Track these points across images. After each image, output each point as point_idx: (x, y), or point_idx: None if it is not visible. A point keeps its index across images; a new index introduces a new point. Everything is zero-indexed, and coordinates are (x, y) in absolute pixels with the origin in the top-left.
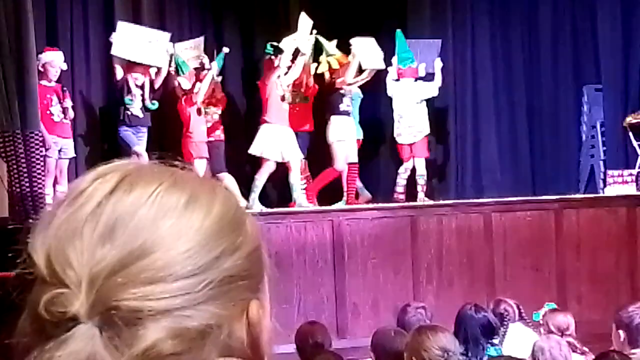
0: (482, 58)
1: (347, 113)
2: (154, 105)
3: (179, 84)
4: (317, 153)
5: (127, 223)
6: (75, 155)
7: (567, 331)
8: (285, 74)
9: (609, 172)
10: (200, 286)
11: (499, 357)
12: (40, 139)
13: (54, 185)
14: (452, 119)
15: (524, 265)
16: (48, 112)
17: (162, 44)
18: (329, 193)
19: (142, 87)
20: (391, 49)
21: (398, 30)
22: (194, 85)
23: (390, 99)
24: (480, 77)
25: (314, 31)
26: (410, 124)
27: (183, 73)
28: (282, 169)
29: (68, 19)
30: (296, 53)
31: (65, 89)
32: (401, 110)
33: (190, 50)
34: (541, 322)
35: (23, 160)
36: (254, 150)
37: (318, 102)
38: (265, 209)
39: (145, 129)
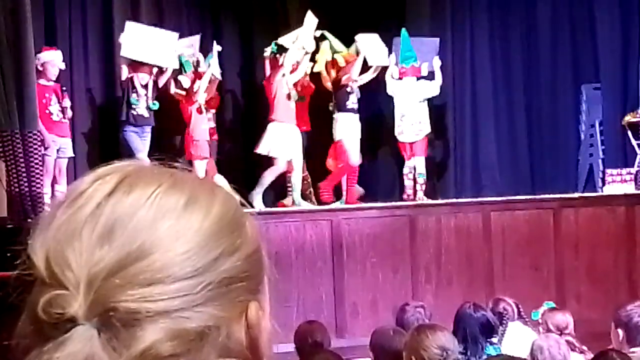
0: (481, 57)
1: (353, 110)
2: (155, 106)
3: (179, 82)
4: (313, 153)
5: (126, 224)
6: (73, 154)
7: (566, 330)
8: (291, 72)
9: (608, 171)
10: (199, 288)
11: (498, 356)
12: (39, 138)
13: (53, 185)
14: (451, 118)
15: (522, 264)
16: (47, 111)
17: (170, 44)
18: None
19: (146, 87)
20: (390, 48)
21: (403, 29)
22: (193, 83)
23: (389, 98)
24: (479, 76)
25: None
26: (413, 122)
27: (185, 72)
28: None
29: (67, 18)
30: (301, 52)
31: (64, 88)
32: (403, 109)
33: (186, 49)
34: (540, 321)
35: (22, 160)
36: (262, 149)
37: (314, 101)
38: (264, 208)
39: (149, 129)
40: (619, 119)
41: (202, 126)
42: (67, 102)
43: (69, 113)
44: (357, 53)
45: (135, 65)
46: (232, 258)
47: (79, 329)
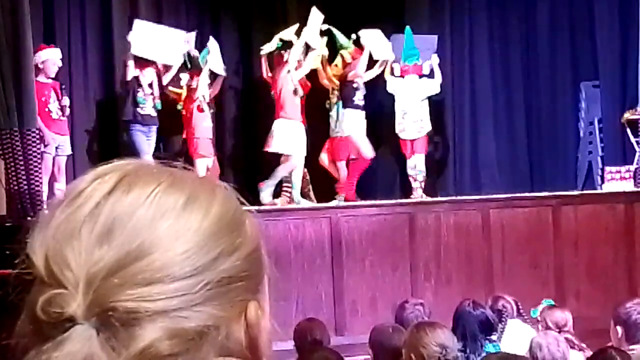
0: (481, 55)
1: (360, 107)
2: (160, 105)
3: (179, 80)
4: (309, 150)
5: (125, 224)
6: (72, 152)
7: (565, 327)
8: (296, 68)
9: (607, 168)
10: (198, 287)
11: (497, 354)
12: (38, 136)
13: (52, 183)
14: (450, 115)
15: (522, 261)
16: (46, 109)
17: (178, 43)
18: (327, 190)
19: (151, 86)
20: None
21: (407, 27)
22: (191, 81)
23: (389, 96)
24: (478, 74)
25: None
26: (415, 120)
27: (188, 69)
28: (277, 164)
29: (65, 16)
30: (306, 48)
31: (63, 86)
32: (405, 107)
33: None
34: (539, 318)
35: (20, 158)
36: (274, 147)
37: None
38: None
39: (155, 129)
40: (618, 116)
41: (203, 124)
42: (65, 100)
43: (68, 111)
44: (362, 48)
45: (141, 64)
46: (232, 257)
47: (77, 328)
